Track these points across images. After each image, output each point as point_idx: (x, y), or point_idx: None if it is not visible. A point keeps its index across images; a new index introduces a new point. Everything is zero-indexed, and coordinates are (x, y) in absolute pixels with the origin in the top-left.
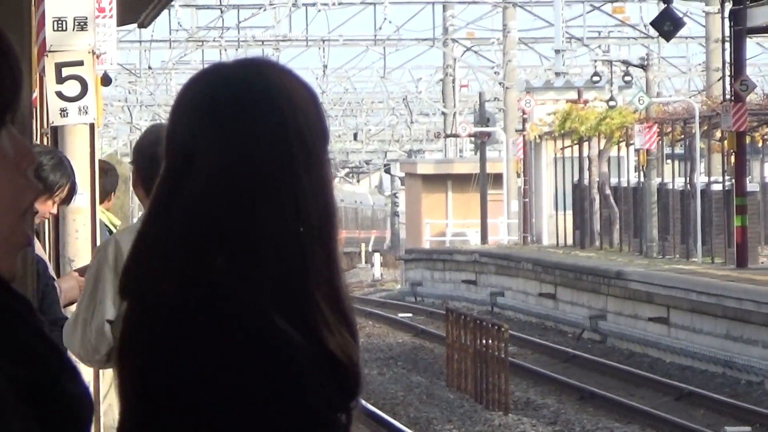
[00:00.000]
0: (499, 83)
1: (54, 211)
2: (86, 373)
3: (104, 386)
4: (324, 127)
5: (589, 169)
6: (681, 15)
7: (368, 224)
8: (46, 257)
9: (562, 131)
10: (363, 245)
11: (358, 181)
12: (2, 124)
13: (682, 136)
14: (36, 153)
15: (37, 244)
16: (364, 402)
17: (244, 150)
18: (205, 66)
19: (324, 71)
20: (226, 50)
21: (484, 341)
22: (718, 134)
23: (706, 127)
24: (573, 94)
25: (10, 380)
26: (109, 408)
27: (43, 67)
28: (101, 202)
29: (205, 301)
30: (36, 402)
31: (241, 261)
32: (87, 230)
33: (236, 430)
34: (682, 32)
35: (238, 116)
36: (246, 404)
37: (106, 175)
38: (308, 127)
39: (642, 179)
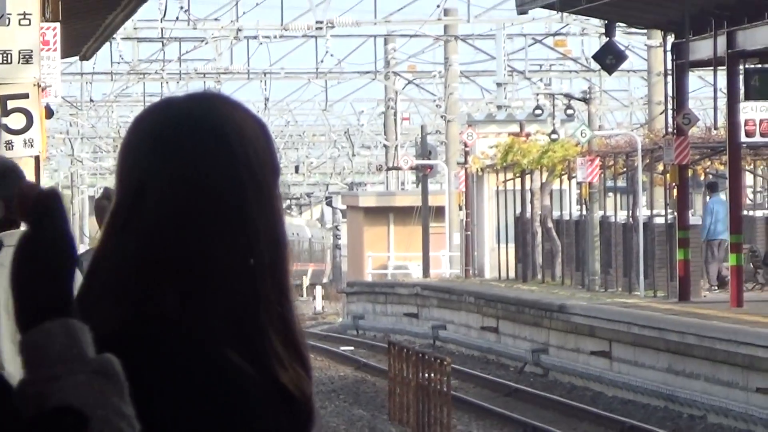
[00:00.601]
0: (441, 116)
1: None
2: None
3: None
4: (274, 160)
5: (531, 202)
6: (623, 48)
7: (306, 257)
8: None
9: (504, 164)
10: (303, 278)
11: (300, 214)
12: None
13: (625, 170)
14: None
15: None
16: None
17: (194, 184)
18: (155, 100)
19: (266, 104)
20: (167, 83)
21: (426, 375)
22: (661, 167)
23: (648, 161)
24: (515, 127)
25: None
26: None
27: None
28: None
29: (158, 337)
30: None
31: (193, 295)
32: None
33: None
34: (624, 66)
35: (187, 150)
36: None
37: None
38: (258, 160)
39: (584, 212)
